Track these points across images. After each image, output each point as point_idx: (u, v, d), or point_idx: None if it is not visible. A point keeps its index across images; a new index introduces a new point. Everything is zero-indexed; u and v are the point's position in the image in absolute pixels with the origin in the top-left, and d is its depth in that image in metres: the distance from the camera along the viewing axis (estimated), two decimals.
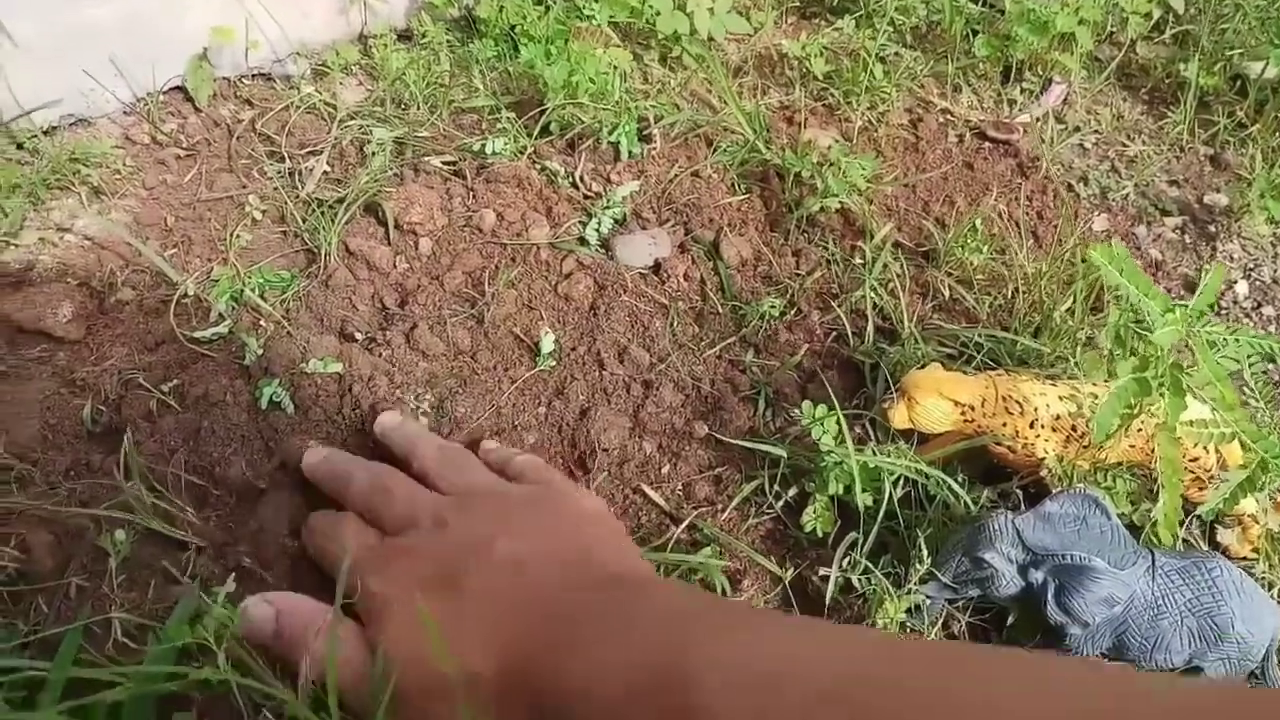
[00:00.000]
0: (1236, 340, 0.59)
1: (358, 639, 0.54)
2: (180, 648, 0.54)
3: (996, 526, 0.60)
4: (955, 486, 0.67)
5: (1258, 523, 0.69)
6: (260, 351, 0.74)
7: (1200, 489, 0.68)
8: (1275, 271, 0.96)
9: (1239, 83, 1.14)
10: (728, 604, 0.63)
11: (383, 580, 0.55)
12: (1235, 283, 0.94)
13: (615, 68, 0.98)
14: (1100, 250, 0.59)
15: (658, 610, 0.51)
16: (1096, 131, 1.10)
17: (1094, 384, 0.68)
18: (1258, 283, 0.95)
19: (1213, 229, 0.99)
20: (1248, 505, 0.67)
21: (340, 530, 0.62)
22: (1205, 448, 0.65)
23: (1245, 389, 0.66)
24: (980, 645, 0.62)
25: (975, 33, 1.13)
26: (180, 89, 0.99)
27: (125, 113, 0.96)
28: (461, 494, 0.62)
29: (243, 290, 0.78)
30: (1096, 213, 1.00)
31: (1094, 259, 0.58)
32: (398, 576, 0.56)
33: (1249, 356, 0.60)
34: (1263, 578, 0.68)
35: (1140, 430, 0.66)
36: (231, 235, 0.84)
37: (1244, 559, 0.70)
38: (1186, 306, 0.58)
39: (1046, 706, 0.37)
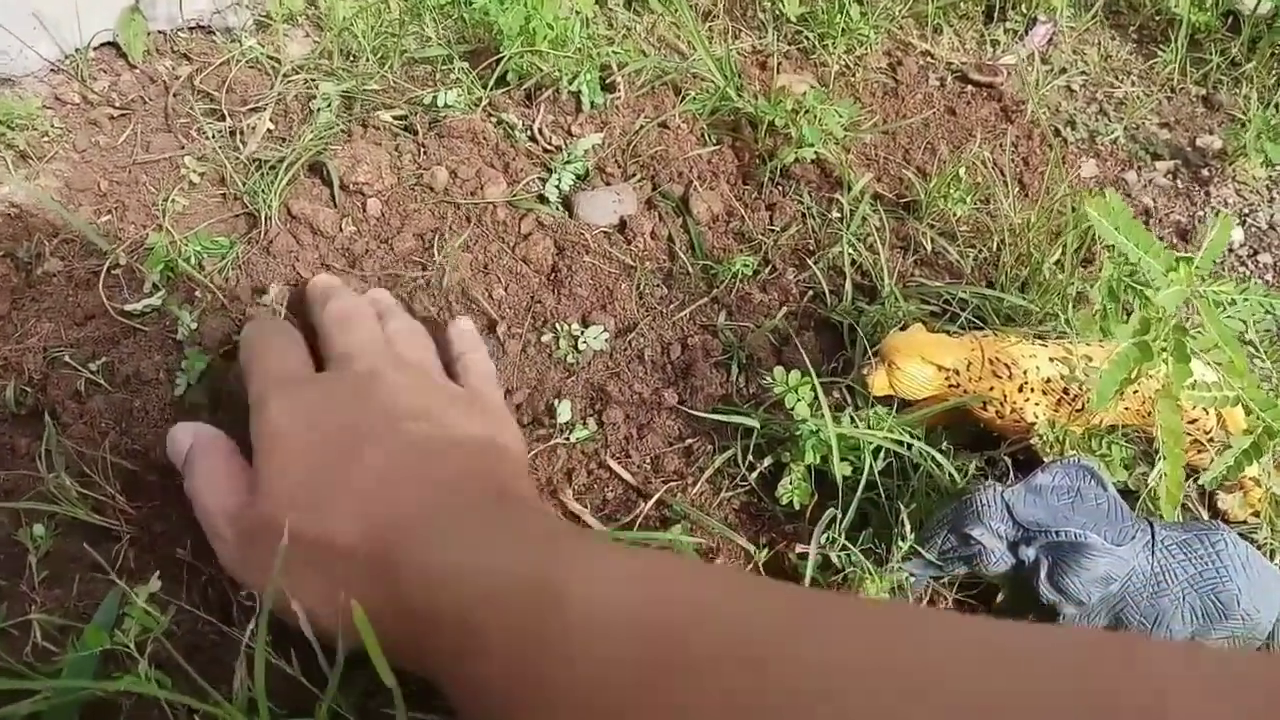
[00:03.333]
0: (1245, 299, 0.54)
1: (240, 467, 0.57)
2: (108, 651, 0.50)
3: (984, 500, 0.56)
4: (939, 457, 0.63)
5: (1259, 485, 0.65)
6: (194, 325, 0.69)
7: (1199, 451, 0.64)
8: (1271, 216, 0.91)
9: (1232, 19, 1.08)
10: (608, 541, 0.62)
11: (286, 409, 0.56)
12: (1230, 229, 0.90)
13: (576, 12, 0.92)
14: (1095, 203, 0.54)
15: (540, 528, 0.51)
16: (1084, 73, 1.05)
17: (1087, 343, 0.63)
18: (1253, 229, 0.91)
19: (1206, 173, 0.94)
20: (1250, 469, 0.63)
21: (268, 345, 0.63)
22: (1206, 410, 0.61)
23: (1251, 349, 0.61)
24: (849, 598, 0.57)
25: None
26: (112, 44, 0.92)
27: (53, 70, 0.89)
28: (408, 365, 0.62)
29: (177, 259, 0.73)
30: (1085, 158, 0.95)
31: (1089, 213, 0.54)
32: (302, 409, 0.56)
33: (1254, 316, 0.55)
34: (1265, 543, 0.65)
35: (1136, 392, 0.61)
36: (167, 200, 0.79)
37: (1244, 523, 0.67)
38: (1190, 262, 0.54)
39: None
